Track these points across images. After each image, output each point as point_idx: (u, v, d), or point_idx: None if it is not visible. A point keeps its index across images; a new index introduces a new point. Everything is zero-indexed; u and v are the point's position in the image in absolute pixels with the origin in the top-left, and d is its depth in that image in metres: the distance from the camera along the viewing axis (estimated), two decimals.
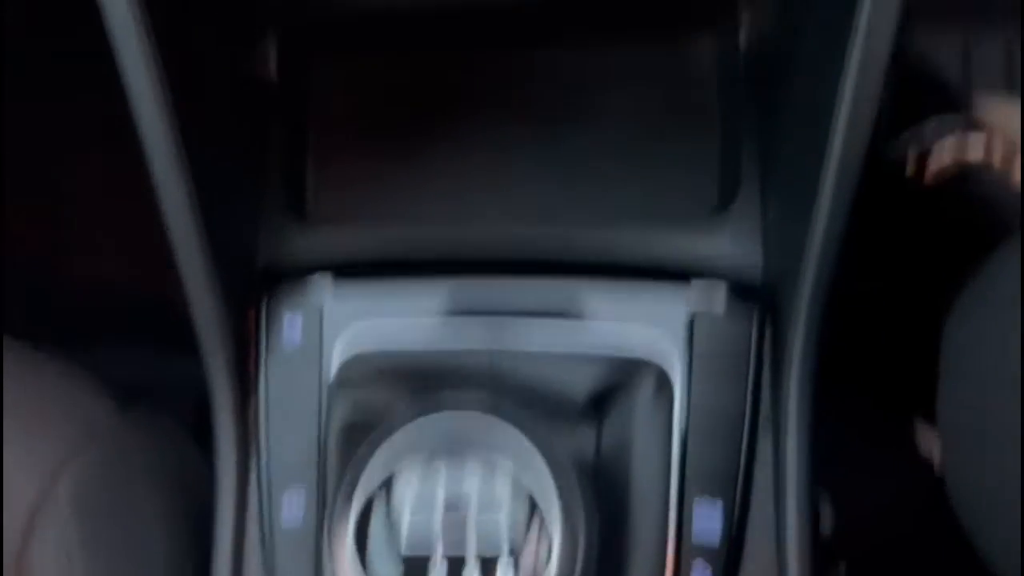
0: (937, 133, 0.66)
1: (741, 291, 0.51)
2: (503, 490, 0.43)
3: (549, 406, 0.50)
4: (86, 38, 0.44)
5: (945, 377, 0.44)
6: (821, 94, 0.43)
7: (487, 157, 0.58)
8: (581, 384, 0.50)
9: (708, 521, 0.49)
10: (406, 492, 0.43)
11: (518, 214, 0.57)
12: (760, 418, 0.50)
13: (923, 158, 0.66)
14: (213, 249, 0.49)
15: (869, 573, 0.62)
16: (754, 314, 0.51)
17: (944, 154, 0.65)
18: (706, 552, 0.49)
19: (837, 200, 0.44)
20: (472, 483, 0.43)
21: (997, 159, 0.65)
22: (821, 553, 0.49)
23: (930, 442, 0.66)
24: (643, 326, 0.51)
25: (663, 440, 0.49)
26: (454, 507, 0.42)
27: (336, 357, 0.53)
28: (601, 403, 0.51)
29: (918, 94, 0.68)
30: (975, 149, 0.65)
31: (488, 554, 0.42)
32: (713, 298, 0.51)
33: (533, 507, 0.43)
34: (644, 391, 0.50)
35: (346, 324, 0.53)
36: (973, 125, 0.65)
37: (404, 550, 0.42)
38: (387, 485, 0.43)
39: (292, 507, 0.52)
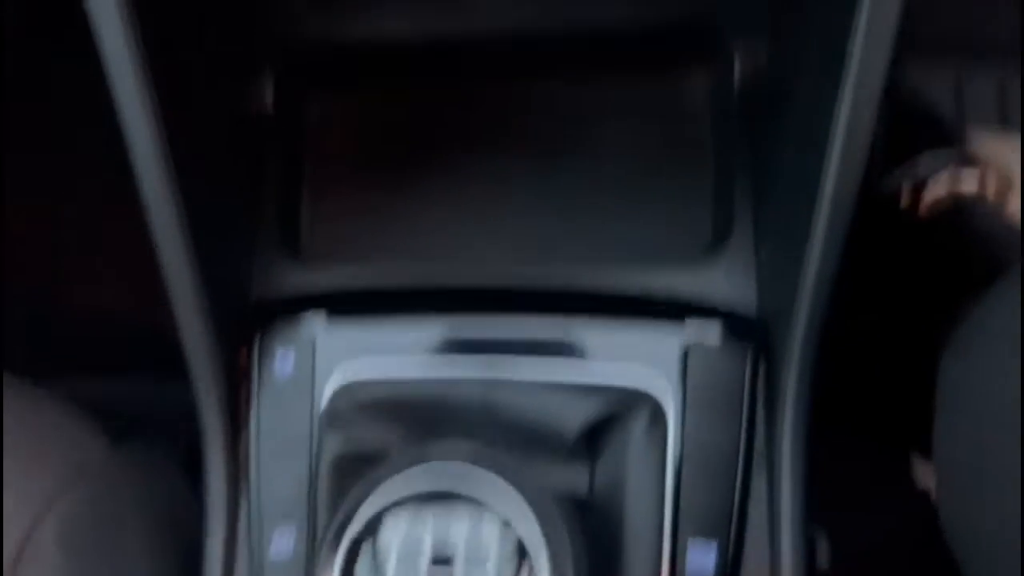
0: (931, 168, 0.66)
1: (735, 327, 0.51)
2: (491, 538, 0.42)
3: (542, 440, 0.50)
4: (86, 39, 0.44)
5: (941, 413, 0.44)
6: (814, 129, 0.43)
7: (482, 193, 0.58)
8: (575, 417, 0.50)
9: (702, 561, 0.48)
10: (393, 539, 0.43)
11: (513, 250, 0.57)
12: (754, 455, 0.50)
13: (918, 190, 0.66)
14: (206, 284, 0.49)
15: None
16: (748, 351, 0.51)
17: (939, 186, 0.66)
18: None
19: (830, 237, 0.43)
20: (460, 530, 0.42)
21: (991, 192, 0.66)
22: None
23: (926, 477, 0.66)
24: (638, 365, 0.51)
25: (657, 477, 0.49)
26: (441, 558, 0.42)
27: (328, 393, 0.53)
28: (595, 437, 0.50)
29: (911, 129, 0.69)
30: (969, 183, 0.65)
31: None
32: (708, 335, 0.51)
33: (523, 554, 0.42)
34: (638, 425, 0.50)
35: (339, 361, 0.53)
36: (967, 160, 0.65)
37: None
38: (374, 531, 0.43)
39: (282, 544, 0.52)
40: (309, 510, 0.51)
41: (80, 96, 0.50)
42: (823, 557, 0.50)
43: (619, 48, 0.57)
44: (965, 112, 0.73)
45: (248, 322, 0.55)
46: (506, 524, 0.43)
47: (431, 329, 0.53)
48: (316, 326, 0.54)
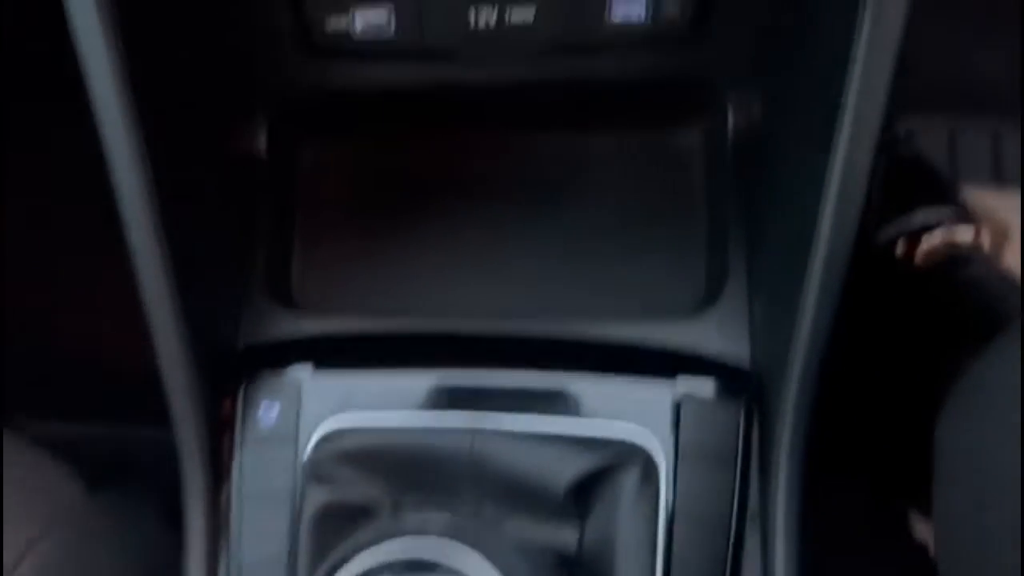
0: (927, 221, 0.66)
1: (729, 381, 0.51)
2: None
3: (530, 494, 0.49)
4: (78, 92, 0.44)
5: (940, 468, 0.43)
6: (809, 182, 0.43)
7: (475, 242, 0.58)
8: (565, 470, 0.49)
9: None
10: None
11: (505, 300, 0.57)
12: (748, 512, 0.49)
13: (913, 240, 0.66)
14: (192, 332, 0.49)
15: None
16: (741, 405, 0.50)
17: (934, 237, 0.66)
18: None
19: (825, 290, 0.43)
20: None
21: (987, 244, 0.66)
22: None
23: (924, 531, 0.65)
24: (630, 418, 0.50)
25: (648, 533, 0.48)
26: None
27: (312, 445, 0.52)
28: (585, 491, 0.49)
29: (907, 181, 0.69)
30: (964, 235, 0.65)
31: None
32: (701, 389, 0.50)
33: None
34: (630, 479, 0.49)
35: (324, 414, 0.52)
36: (962, 216, 0.66)
37: None
38: None
39: None
40: (289, 566, 0.50)
41: (76, 152, 0.50)
42: None
43: (613, 99, 0.57)
44: (959, 165, 0.73)
45: (234, 371, 0.54)
46: None
47: (420, 382, 0.52)
48: (303, 377, 0.53)
